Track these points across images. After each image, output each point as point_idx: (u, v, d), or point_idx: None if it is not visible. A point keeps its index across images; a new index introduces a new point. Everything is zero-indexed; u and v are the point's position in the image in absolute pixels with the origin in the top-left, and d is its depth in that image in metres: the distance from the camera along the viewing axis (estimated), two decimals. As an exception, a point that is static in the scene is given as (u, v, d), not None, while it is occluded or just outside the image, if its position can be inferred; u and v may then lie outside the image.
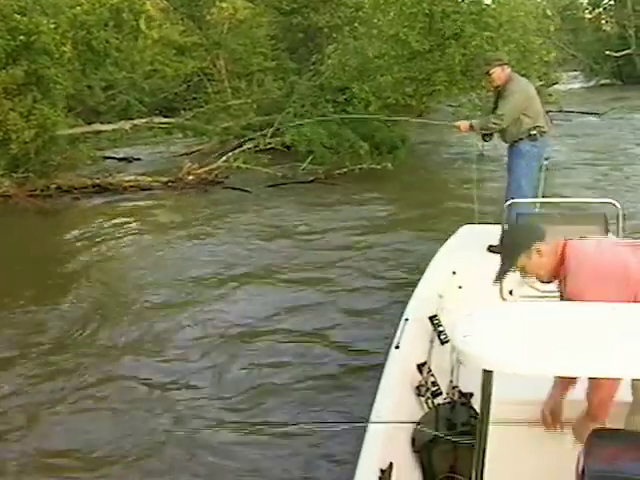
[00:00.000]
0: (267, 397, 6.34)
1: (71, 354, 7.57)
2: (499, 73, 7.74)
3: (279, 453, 5.40)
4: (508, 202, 6.22)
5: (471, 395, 4.15)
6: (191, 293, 9.32)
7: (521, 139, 7.53)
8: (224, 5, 24.12)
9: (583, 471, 2.82)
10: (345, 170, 15.77)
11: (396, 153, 16.48)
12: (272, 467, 5.34)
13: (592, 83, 38.09)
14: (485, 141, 7.97)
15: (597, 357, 2.74)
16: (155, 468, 5.41)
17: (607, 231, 6.26)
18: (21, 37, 14.63)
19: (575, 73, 39.09)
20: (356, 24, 20.02)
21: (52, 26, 15.19)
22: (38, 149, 15.33)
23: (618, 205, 6.02)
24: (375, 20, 18.19)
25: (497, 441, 3.67)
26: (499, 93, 7.73)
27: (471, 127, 7.71)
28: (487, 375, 2.95)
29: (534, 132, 7.50)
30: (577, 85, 37.34)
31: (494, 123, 7.48)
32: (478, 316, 3.16)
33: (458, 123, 8.00)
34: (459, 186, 13.82)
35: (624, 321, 3.05)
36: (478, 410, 3.68)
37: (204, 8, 23.79)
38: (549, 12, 34.03)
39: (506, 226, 6.27)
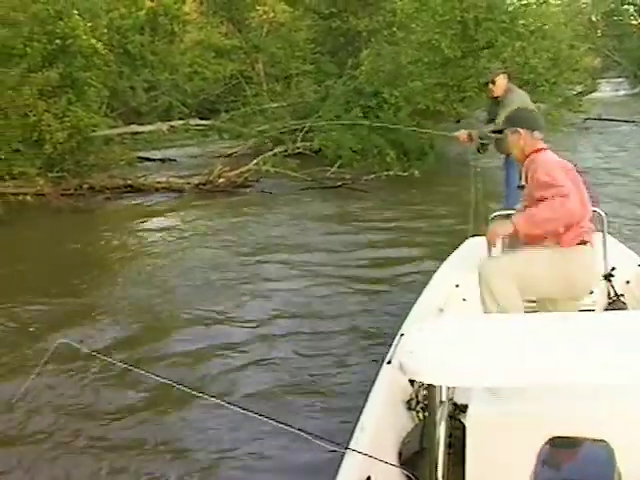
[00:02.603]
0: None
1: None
2: (501, 81, 7.85)
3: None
4: (493, 214, 6.23)
5: (466, 407, 4.04)
6: (206, 294, 9.53)
7: (515, 150, 7.57)
8: (264, 8, 24.37)
9: None
10: (372, 176, 15.89)
11: (424, 159, 16.57)
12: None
13: (637, 90, 37.51)
14: (479, 153, 8.02)
15: (533, 366, 2.84)
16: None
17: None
18: (57, 41, 15.02)
19: (619, 80, 38.58)
20: (394, 28, 20.12)
21: (88, 30, 15.54)
22: (72, 150, 15.69)
23: (603, 214, 6.08)
24: (413, 25, 18.25)
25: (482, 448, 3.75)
26: (497, 103, 7.81)
27: (469, 137, 7.78)
28: (432, 389, 3.08)
29: None
30: (621, 92, 36.84)
31: (493, 132, 7.53)
32: (425, 330, 3.25)
33: (457, 133, 8.07)
34: (486, 197, 13.70)
35: (564, 331, 3.16)
36: (464, 422, 3.79)
37: (244, 11, 24.07)
38: (594, 18, 33.85)
39: None
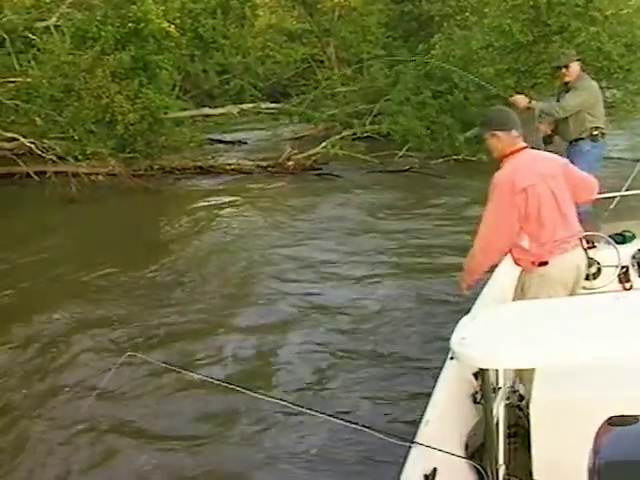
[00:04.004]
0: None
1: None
2: (575, 67, 7.78)
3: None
4: None
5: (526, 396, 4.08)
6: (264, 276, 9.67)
7: (582, 138, 7.52)
8: (335, -8, 24.33)
9: (595, 463, 2.74)
10: (441, 160, 15.82)
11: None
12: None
13: None
14: (545, 144, 7.86)
15: (582, 345, 2.91)
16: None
17: None
18: (130, 24, 15.24)
19: None
20: (467, 13, 19.87)
21: (161, 13, 15.72)
22: (144, 131, 15.91)
23: None
24: (486, 10, 18.03)
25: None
26: (567, 90, 7.72)
27: (529, 105, 7.70)
28: (484, 373, 3.10)
29: (596, 132, 7.50)
30: None
31: (556, 111, 7.52)
32: (477, 318, 3.33)
33: (516, 97, 7.95)
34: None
35: (609, 315, 3.21)
36: (529, 412, 3.79)
37: (316, -5, 24.07)
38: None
39: None
